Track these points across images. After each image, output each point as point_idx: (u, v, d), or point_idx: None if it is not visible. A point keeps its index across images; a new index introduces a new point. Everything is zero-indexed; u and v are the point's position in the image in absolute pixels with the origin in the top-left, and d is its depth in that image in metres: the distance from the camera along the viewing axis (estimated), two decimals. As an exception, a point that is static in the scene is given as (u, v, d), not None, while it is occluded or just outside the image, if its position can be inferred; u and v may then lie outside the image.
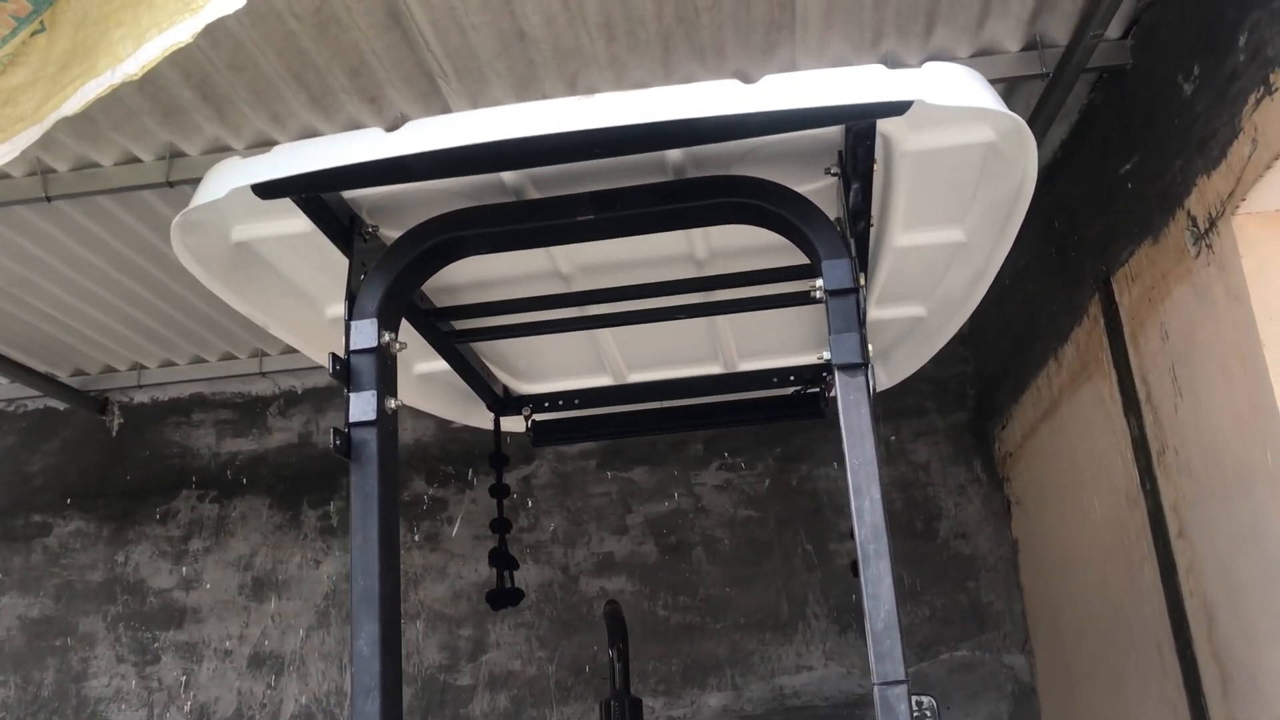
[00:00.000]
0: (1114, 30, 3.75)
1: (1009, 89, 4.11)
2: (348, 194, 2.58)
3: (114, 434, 6.62)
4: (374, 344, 2.38)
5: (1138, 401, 3.99)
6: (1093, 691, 4.72)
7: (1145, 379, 3.91)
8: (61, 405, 6.58)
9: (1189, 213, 3.43)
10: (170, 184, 4.14)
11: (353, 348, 2.38)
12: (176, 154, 4.16)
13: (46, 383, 6.19)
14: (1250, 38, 3.01)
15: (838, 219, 2.49)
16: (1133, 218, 3.84)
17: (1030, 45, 3.86)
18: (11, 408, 6.72)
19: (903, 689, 2.04)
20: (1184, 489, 3.70)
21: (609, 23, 3.63)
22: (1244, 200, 3.13)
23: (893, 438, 5.87)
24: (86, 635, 6.18)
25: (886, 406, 5.73)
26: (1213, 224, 3.29)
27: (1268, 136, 2.95)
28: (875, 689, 2.05)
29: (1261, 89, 2.96)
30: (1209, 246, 3.32)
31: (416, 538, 6.09)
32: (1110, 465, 4.27)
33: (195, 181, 3.96)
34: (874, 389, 2.27)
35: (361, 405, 2.33)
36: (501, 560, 3.58)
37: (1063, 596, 5.01)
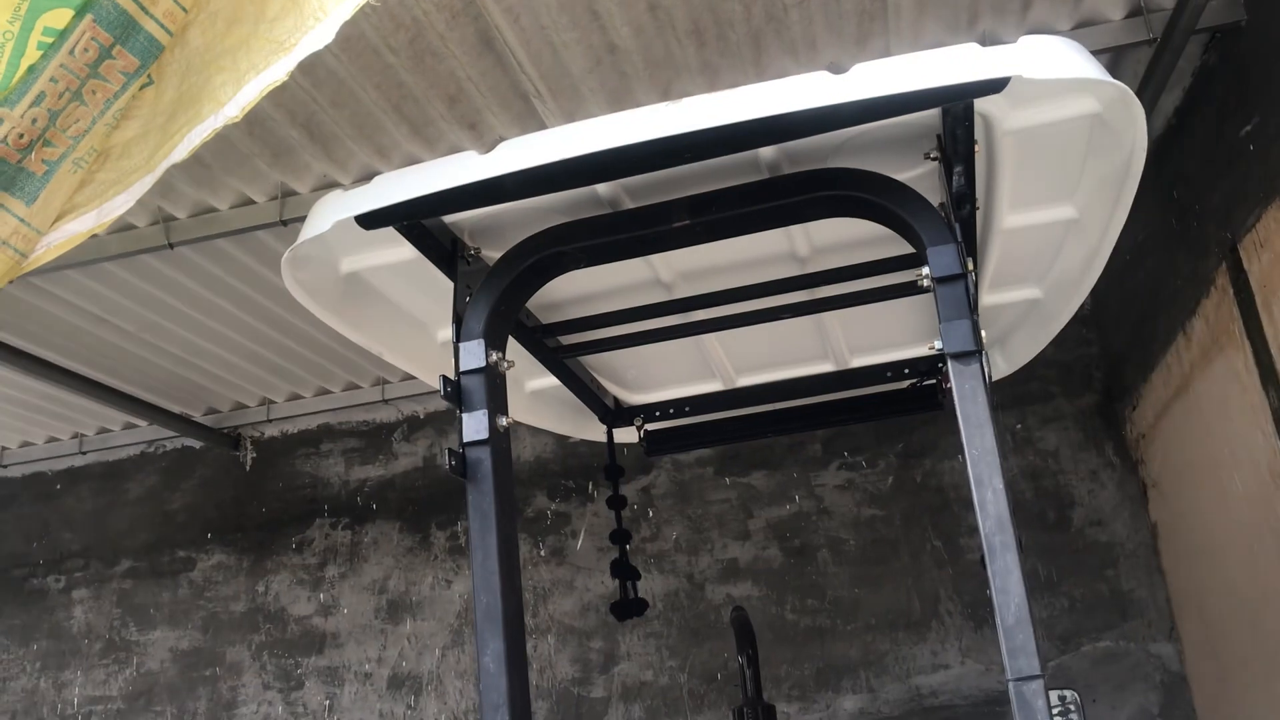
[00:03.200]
0: (1224, -13, 3.61)
1: (1114, 59, 3.97)
2: (448, 218, 2.62)
3: (248, 468, 6.85)
4: (482, 364, 2.41)
5: (1275, 373, 3.80)
6: (1246, 678, 4.51)
7: (1282, 348, 3.73)
8: (197, 444, 6.84)
9: (1318, 171, 3.27)
10: (284, 223, 4.27)
11: (462, 369, 2.42)
12: (288, 193, 4.29)
13: (182, 423, 6.46)
14: (1372, -19, 2.86)
15: (941, 204, 2.43)
16: (1257, 181, 3.67)
17: (1135, 11, 3.73)
18: (151, 449, 7.02)
19: (1039, 684, 1.97)
20: (1333, 461, 3.51)
21: (698, 28, 3.63)
22: (1377, 153, 2.97)
23: (1018, 426, 5.72)
24: (234, 664, 6.40)
25: (1010, 394, 5.58)
26: (1345, 180, 3.12)
27: (1398, 83, 2.79)
28: (1010, 685, 1.99)
29: (1388, 34, 2.81)
30: (1342, 204, 3.16)
31: (542, 553, 6.16)
32: (1250, 441, 4.08)
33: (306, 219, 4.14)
34: (990, 376, 2.21)
35: (474, 425, 2.36)
36: (623, 571, 3.58)
37: (1208, 580, 4.80)
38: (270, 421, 6.72)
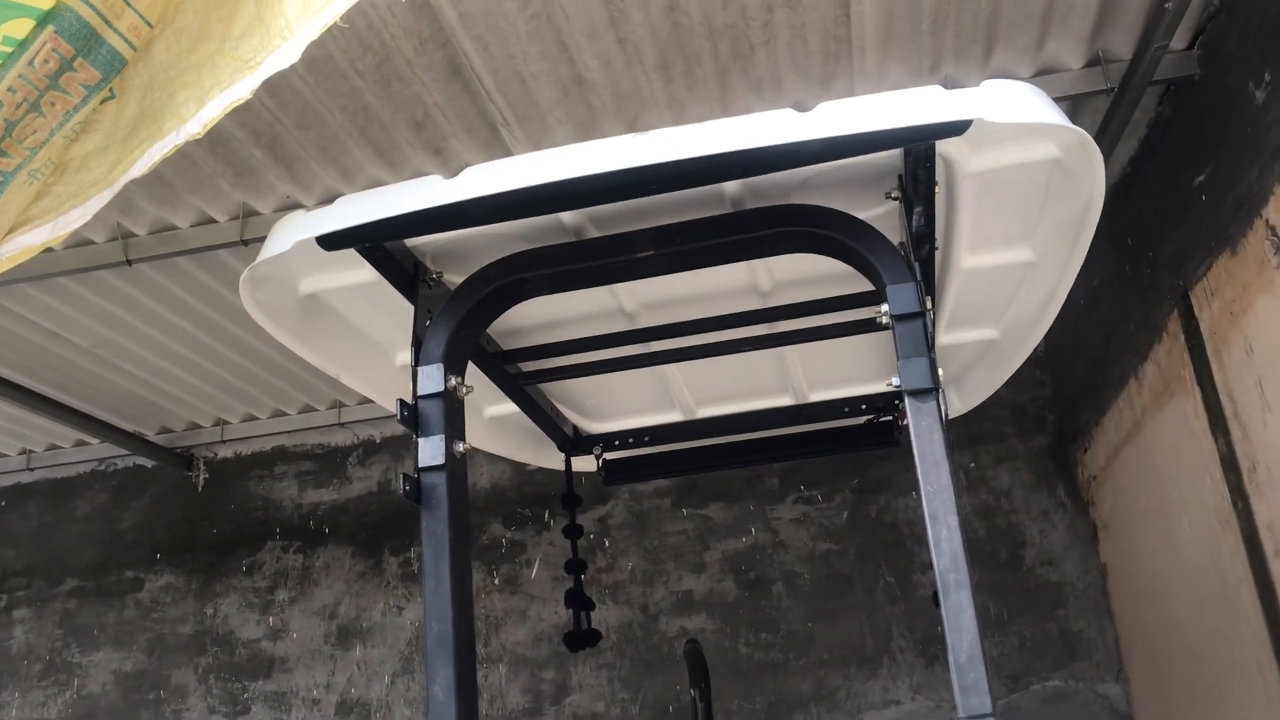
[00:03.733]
0: (1179, 41, 3.68)
1: (1073, 106, 4.05)
2: (411, 241, 2.61)
3: (200, 489, 6.76)
4: (441, 388, 2.39)
5: (1224, 418, 3.87)
6: (1192, 719, 4.56)
7: (1231, 395, 3.79)
8: (149, 463, 6.74)
9: (1268, 222, 3.34)
10: (245, 242, 4.24)
11: (420, 393, 2.40)
12: (250, 213, 4.26)
13: (134, 441, 6.36)
14: (1321, 40, 2.94)
15: (901, 243, 2.46)
16: (1209, 230, 3.75)
17: (1093, 61, 3.80)
18: (102, 467, 6.91)
19: (989, 722, 1.98)
20: (1278, 506, 3.57)
21: (666, 63, 3.66)
22: (1325, 206, 3.04)
23: (972, 465, 5.76)
24: (179, 688, 6.29)
25: (965, 433, 5.63)
26: (1293, 232, 3.19)
27: (1346, 139, 2.87)
28: (961, 723, 1.99)
29: (1336, 91, 2.88)
30: (1290, 255, 3.23)
31: (496, 581, 6.11)
32: (1199, 485, 4.14)
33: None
34: (946, 414, 2.23)
35: (430, 450, 2.34)
36: (578, 601, 3.56)
37: (1156, 622, 4.85)
38: (224, 442, 6.64)
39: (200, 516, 6.67)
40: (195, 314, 5.08)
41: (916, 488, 2.15)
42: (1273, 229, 3.31)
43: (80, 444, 6.65)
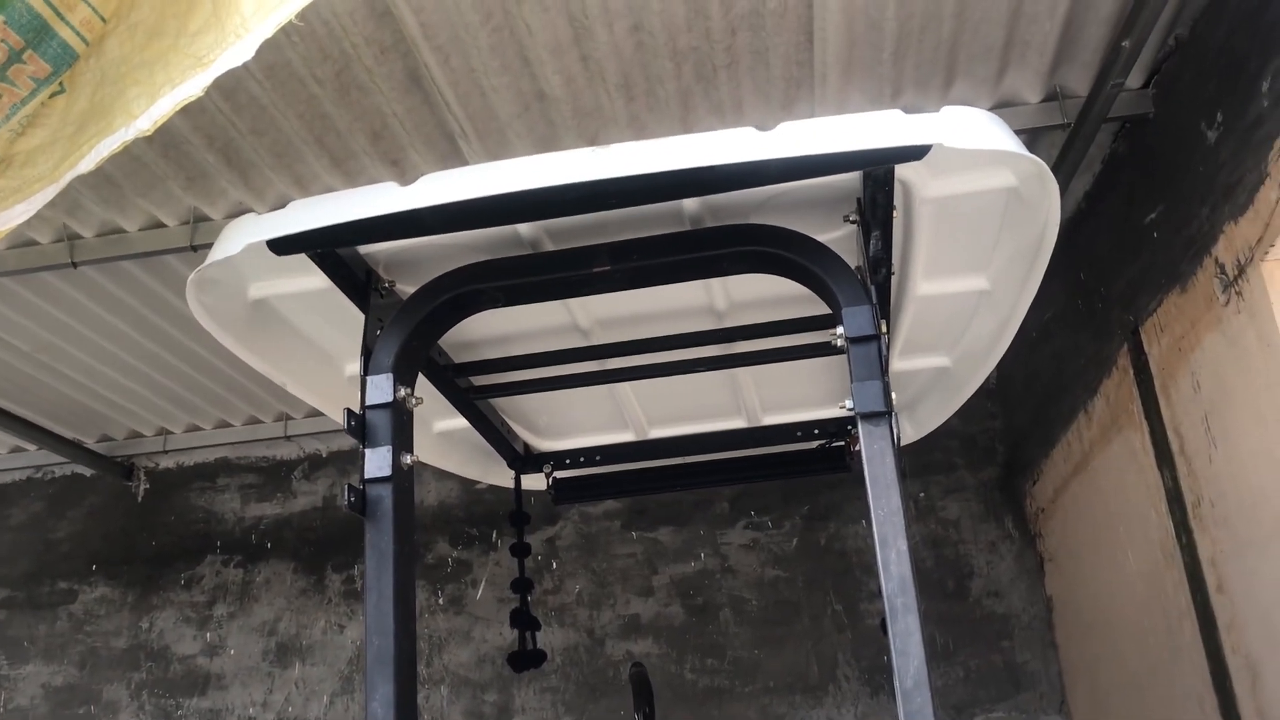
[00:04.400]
0: (1134, 80, 3.74)
1: (1030, 140, 4.09)
2: (363, 249, 2.58)
3: (140, 499, 6.63)
4: (389, 399, 2.35)
5: (1171, 453, 3.91)
6: (1135, 754, 4.58)
7: (1178, 430, 3.83)
8: (88, 471, 6.60)
9: (1217, 260, 3.38)
10: (194, 248, 4.17)
11: (368, 403, 2.36)
12: (201, 218, 4.19)
13: (73, 449, 6.22)
14: (1274, 84, 2.99)
15: (858, 267, 2.46)
16: (1160, 267, 3.80)
17: (1050, 96, 3.85)
18: (39, 474, 6.75)
19: (935, 749, 1.96)
20: (1221, 542, 3.60)
21: (628, 82, 3.65)
22: (1273, 246, 3.09)
23: (921, 495, 5.78)
24: (110, 703, 6.13)
25: (914, 463, 5.65)
26: (1241, 271, 3.24)
27: (1295, 180, 2.91)
28: (906, 750, 1.97)
29: (1286, 133, 2.93)
30: (1239, 294, 3.27)
31: (440, 601, 6.03)
32: (1144, 519, 4.18)
33: (217, 244, 4.04)
34: (899, 438, 2.22)
35: (377, 461, 2.30)
36: (523, 621, 3.51)
37: (1100, 655, 4.88)
38: (166, 452, 6.51)
39: (139, 528, 6.54)
40: (141, 320, 4.98)
41: (867, 513, 2.14)
42: (1222, 267, 3.36)
43: (16, 450, 6.50)
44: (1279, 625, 3.29)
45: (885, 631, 2.07)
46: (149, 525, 6.53)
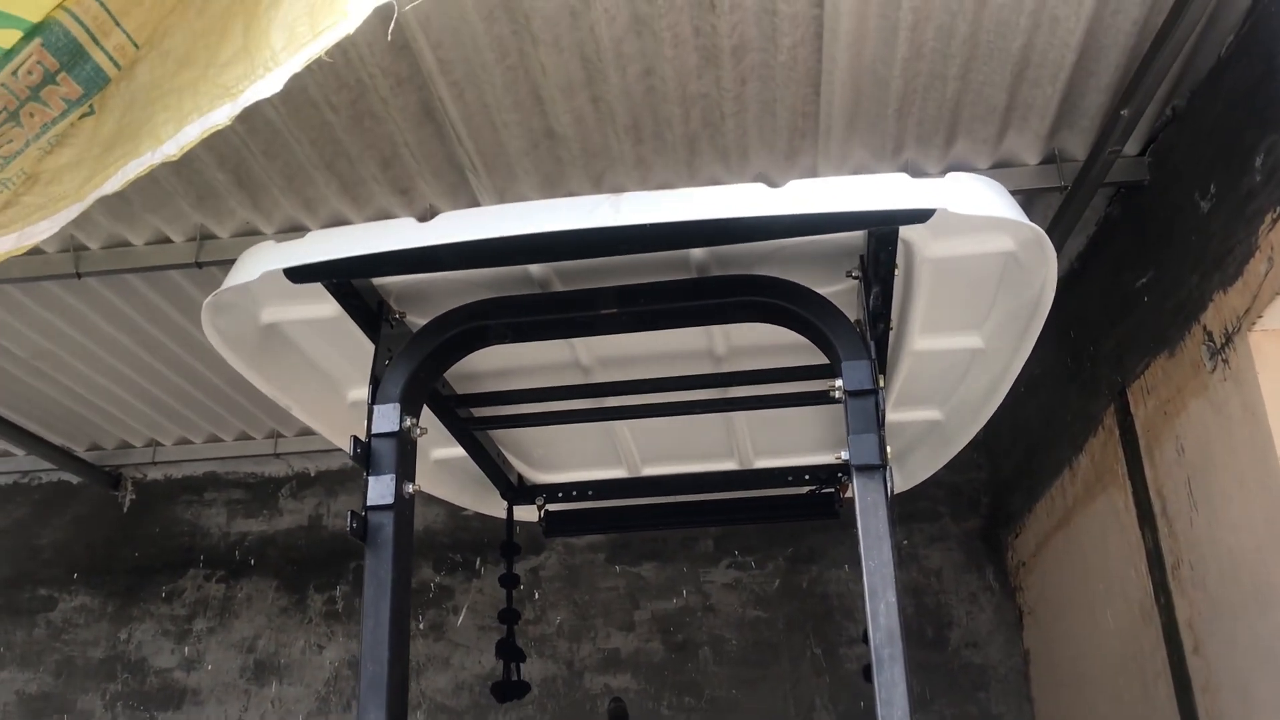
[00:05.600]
0: (1131, 147, 3.83)
1: (1027, 201, 4.17)
2: (377, 280, 2.63)
3: (125, 510, 6.62)
4: (396, 428, 2.40)
5: (1153, 514, 3.97)
6: (1106, 811, 4.61)
7: (1160, 492, 3.89)
8: (75, 479, 6.59)
9: (1205, 328, 3.46)
10: (199, 265, 4.21)
11: (374, 431, 2.41)
12: (207, 236, 4.23)
13: (62, 456, 6.22)
14: (1267, 159, 3.07)
15: (858, 320, 2.52)
16: (1148, 331, 3.87)
17: (1049, 159, 3.93)
18: (26, 480, 6.74)
19: (916, 799, 2.01)
20: (1199, 604, 3.66)
21: (637, 124, 3.72)
22: (1260, 317, 3.15)
23: (905, 542, 5.83)
24: (84, 713, 6.10)
25: (900, 510, 5.66)
26: (1229, 340, 3.31)
27: (1284, 255, 2.99)
28: (887, 799, 2.02)
29: (1278, 209, 3.01)
30: (1225, 362, 3.34)
31: (421, 626, 6.04)
32: (1124, 578, 4.23)
33: (223, 263, 4.08)
34: (892, 491, 2.28)
35: (380, 489, 2.34)
36: (509, 652, 3.54)
37: (1075, 711, 4.92)
38: (155, 464, 6.52)
39: (123, 538, 6.53)
40: (140, 333, 5.01)
41: (853, 561, 2.19)
42: (1210, 335, 3.43)
43: (4, 454, 6.49)
44: (1254, 689, 3.34)
45: (867, 679, 2.12)
46: (133, 536, 6.53)
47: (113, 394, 5.65)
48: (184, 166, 3.86)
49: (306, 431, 5.96)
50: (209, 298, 2.47)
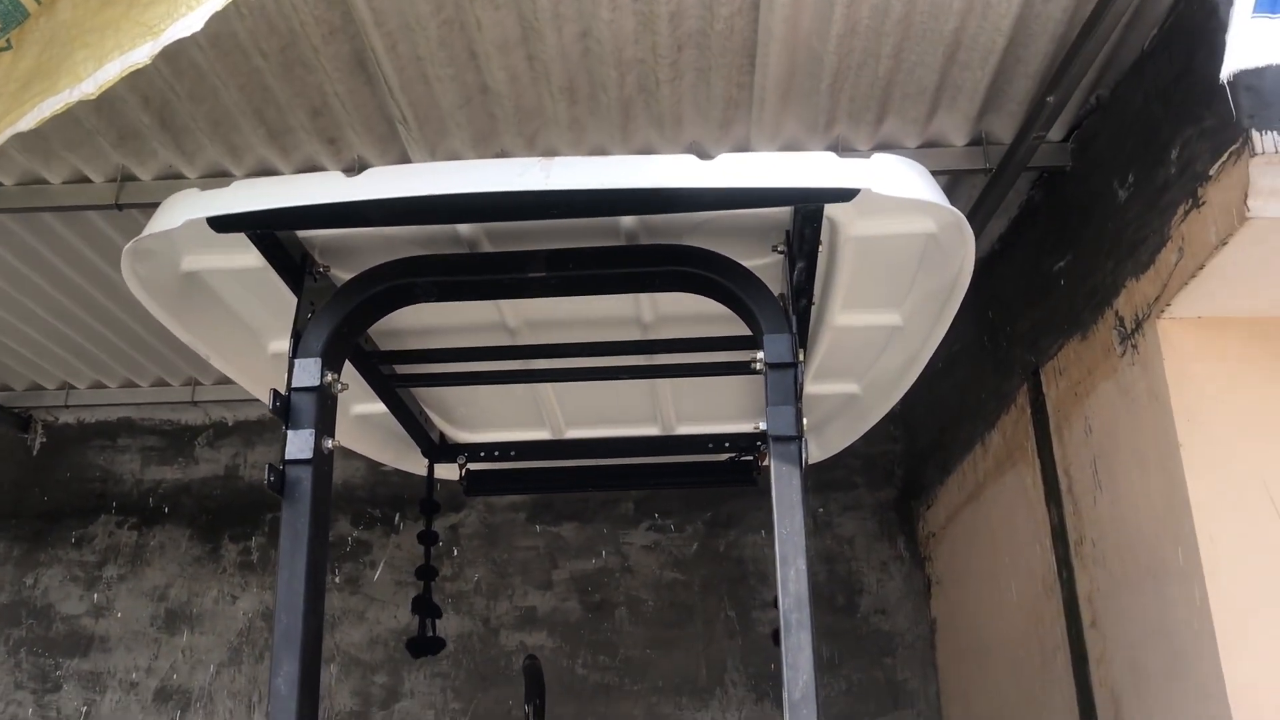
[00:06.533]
0: (1056, 133, 3.90)
1: (953, 181, 4.24)
2: (301, 233, 2.60)
3: (35, 453, 6.48)
4: (316, 383, 2.39)
5: (1059, 491, 4.09)
6: (1000, 775, 4.78)
7: (1067, 470, 4.02)
8: (-19, 420, 6.43)
9: (1117, 313, 3.56)
10: (119, 207, 4.11)
11: (294, 385, 2.39)
12: (128, 177, 4.13)
13: (-32, 396, 6.07)
14: (1182, 153, 3.16)
15: (781, 295, 2.56)
16: (1063, 314, 3.98)
17: (975, 141, 4.00)
18: (-71, 419, 6.56)
19: (817, 760, 2.07)
20: (1099, 580, 3.79)
21: (572, 86, 3.70)
22: (1169, 305, 3.26)
23: (820, 510, 5.94)
24: (-14, 659, 6.00)
25: (815, 479, 5.80)
26: (1139, 325, 3.42)
27: (1194, 247, 3.09)
28: (790, 759, 2.08)
29: (1190, 201, 3.10)
30: (1134, 347, 3.45)
31: (337, 580, 6.02)
32: (1029, 552, 4.37)
33: (144, 206, 3.99)
34: (806, 462, 2.33)
35: (299, 443, 2.33)
36: (425, 608, 3.56)
37: (977, 679, 5.08)
38: (67, 407, 6.36)
39: (31, 482, 6.39)
40: (55, 273, 4.88)
41: (768, 528, 2.24)
42: (1121, 320, 3.54)
43: (-93, 393, 6.31)
44: (1143, 661, 3.49)
45: (776, 642, 2.18)
46: (42, 480, 6.40)
47: (25, 334, 5.50)
48: (106, 106, 3.76)
49: (225, 380, 5.83)
50: (129, 244, 2.43)
